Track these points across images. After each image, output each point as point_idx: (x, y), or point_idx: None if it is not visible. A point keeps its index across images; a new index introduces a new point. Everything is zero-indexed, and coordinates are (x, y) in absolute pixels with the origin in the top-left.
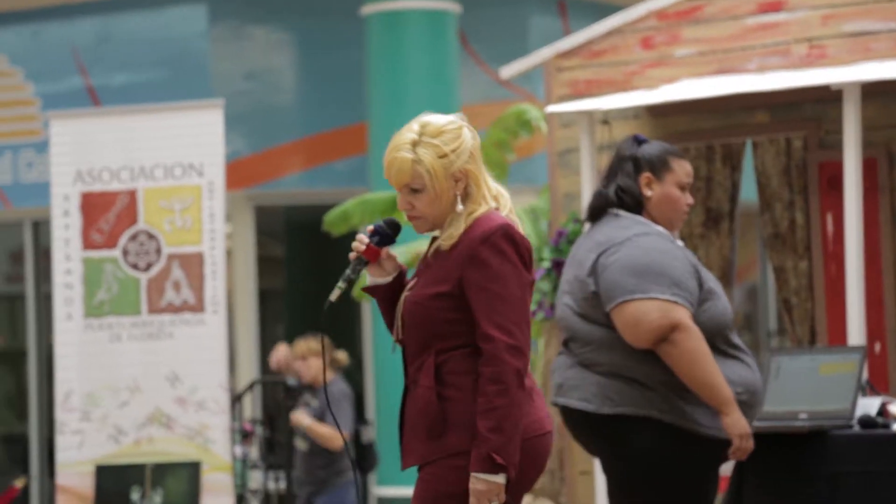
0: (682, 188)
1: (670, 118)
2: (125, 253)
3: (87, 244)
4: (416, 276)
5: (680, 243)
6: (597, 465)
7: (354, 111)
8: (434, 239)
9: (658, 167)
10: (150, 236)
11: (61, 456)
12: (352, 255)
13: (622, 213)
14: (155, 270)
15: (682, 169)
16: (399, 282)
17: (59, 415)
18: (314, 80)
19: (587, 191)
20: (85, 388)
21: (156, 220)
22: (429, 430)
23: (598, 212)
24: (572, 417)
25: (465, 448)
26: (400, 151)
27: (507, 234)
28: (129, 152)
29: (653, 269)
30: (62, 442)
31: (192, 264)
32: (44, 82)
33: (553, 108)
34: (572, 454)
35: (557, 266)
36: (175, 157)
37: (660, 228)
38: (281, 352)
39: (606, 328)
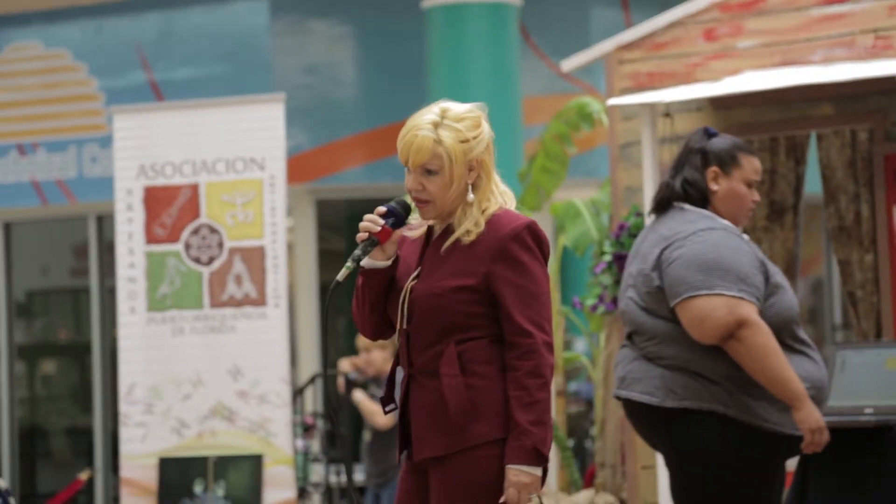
0: (749, 185)
1: (733, 111)
2: (187, 247)
3: (150, 238)
4: (422, 266)
5: (745, 237)
6: (659, 459)
7: (415, 104)
8: (430, 228)
9: (726, 162)
10: (213, 230)
11: (125, 448)
12: (362, 236)
13: (687, 206)
14: (217, 264)
15: (751, 165)
16: (393, 269)
17: (123, 408)
18: (375, 74)
19: (648, 184)
20: (148, 382)
21: (218, 214)
22: (455, 419)
23: (663, 204)
24: (635, 410)
25: (496, 437)
26: (421, 130)
27: (535, 231)
28: (192, 146)
29: (719, 264)
30: (126, 434)
31: (254, 258)
32: (107, 77)
33: (614, 101)
34: (634, 449)
35: (618, 260)
36: (237, 152)
37: (726, 223)
38: (376, 356)
39: (671, 322)
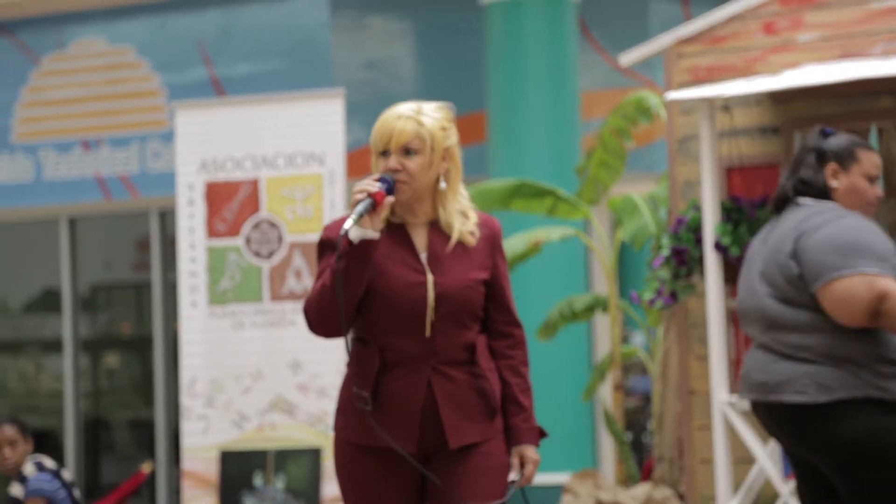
0: (870, 179)
1: (792, 104)
2: (248, 241)
3: (211, 232)
4: (429, 260)
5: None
6: (718, 453)
7: (473, 100)
8: (396, 227)
9: (844, 158)
10: (272, 225)
11: (186, 441)
12: (359, 197)
13: (809, 200)
14: (277, 259)
15: (870, 160)
16: (377, 245)
17: (185, 401)
18: (434, 69)
19: (707, 178)
20: (209, 375)
21: (278, 209)
22: (491, 409)
23: (779, 204)
24: (783, 414)
25: (503, 427)
26: (401, 117)
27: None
28: (252, 142)
29: (857, 245)
30: (187, 427)
31: (313, 252)
32: (170, 73)
33: (673, 95)
34: (692, 443)
35: (676, 254)
36: (296, 147)
37: (855, 212)
38: None
39: (813, 311)
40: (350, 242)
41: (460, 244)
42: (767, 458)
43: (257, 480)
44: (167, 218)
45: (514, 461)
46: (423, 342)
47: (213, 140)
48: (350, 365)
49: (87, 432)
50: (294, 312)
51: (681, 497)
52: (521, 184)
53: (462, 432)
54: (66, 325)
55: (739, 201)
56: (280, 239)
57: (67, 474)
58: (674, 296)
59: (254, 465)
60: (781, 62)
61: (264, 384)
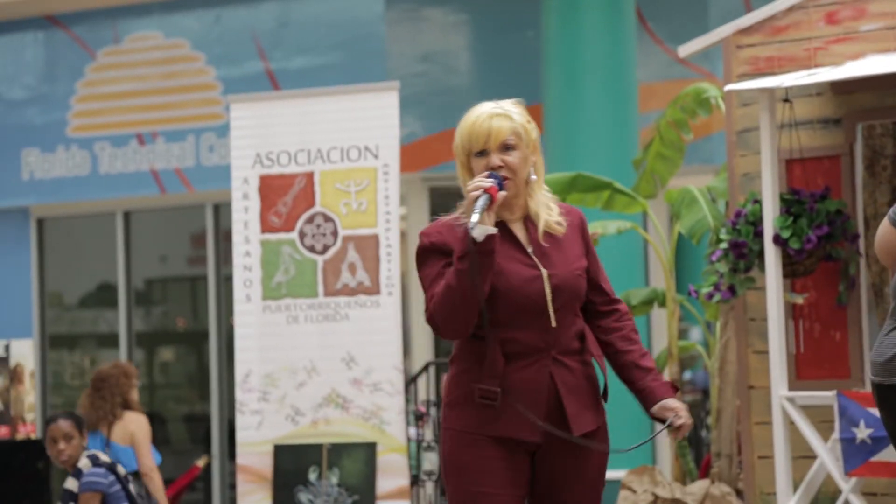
0: None
1: (855, 95)
2: (302, 235)
3: (266, 227)
4: (535, 254)
5: None
6: (778, 449)
7: (530, 92)
8: (498, 223)
9: None
10: (327, 219)
11: (241, 436)
12: (475, 194)
13: None
14: (331, 253)
15: None
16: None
17: (239, 395)
18: (490, 62)
19: (766, 171)
20: (263, 369)
21: (332, 203)
22: (597, 396)
23: None
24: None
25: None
26: (493, 115)
27: None
28: (306, 135)
29: None
30: (242, 422)
31: (368, 246)
32: (225, 67)
33: (732, 87)
34: (750, 438)
35: (734, 247)
36: (351, 140)
37: None
38: None
39: None
40: (474, 241)
41: (554, 236)
42: (828, 454)
43: (311, 475)
44: (222, 212)
45: (667, 413)
46: (544, 334)
47: (267, 134)
48: (461, 361)
49: None
50: (348, 306)
51: (739, 493)
52: (578, 177)
53: (582, 420)
54: (122, 319)
55: (799, 194)
56: (334, 233)
57: (122, 469)
58: (732, 290)
59: (308, 459)
60: (844, 52)
61: (318, 379)
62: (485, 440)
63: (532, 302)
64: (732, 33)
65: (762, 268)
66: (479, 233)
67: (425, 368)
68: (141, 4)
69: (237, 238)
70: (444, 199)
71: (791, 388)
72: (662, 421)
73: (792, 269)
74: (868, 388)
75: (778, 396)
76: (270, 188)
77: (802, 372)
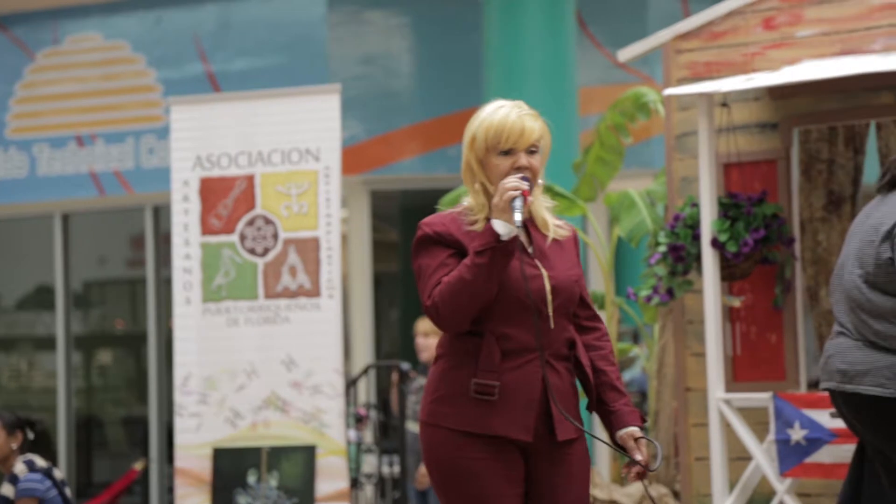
0: None
1: (792, 100)
2: (242, 238)
3: (206, 229)
4: (535, 255)
5: None
6: (714, 450)
7: (471, 95)
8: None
9: None
10: (268, 221)
11: (180, 439)
12: (513, 194)
13: None
14: (272, 255)
15: None
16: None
17: (178, 398)
18: (431, 65)
19: (705, 174)
20: (203, 372)
21: (273, 206)
22: (578, 405)
23: (893, 183)
24: (860, 404)
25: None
26: (524, 116)
27: None
28: (248, 137)
29: None
30: (180, 425)
31: (309, 249)
32: (165, 68)
33: (671, 91)
34: (687, 440)
35: (673, 250)
36: (292, 143)
37: None
38: (433, 343)
39: None
40: (497, 238)
41: (555, 241)
42: (763, 455)
43: (251, 478)
44: (161, 214)
45: (630, 444)
46: (534, 333)
47: (208, 136)
48: (451, 357)
49: (80, 430)
50: (288, 309)
51: (676, 495)
52: None
53: (566, 426)
54: (59, 322)
55: (737, 198)
56: (275, 235)
57: (59, 473)
58: (670, 292)
59: (247, 462)
60: (780, 58)
61: (258, 381)
62: (475, 439)
63: (530, 300)
64: (671, 38)
65: (700, 271)
66: (503, 231)
67: (365, 371)
68: (81, 6)
69: (177, 240)
70: (385, 202)
71: (728, 389)
72: (622, 448)
73: (729, 273)
74: (803, 390)
75: (715, 398)
76: (211, 190)
77: (739, 374)
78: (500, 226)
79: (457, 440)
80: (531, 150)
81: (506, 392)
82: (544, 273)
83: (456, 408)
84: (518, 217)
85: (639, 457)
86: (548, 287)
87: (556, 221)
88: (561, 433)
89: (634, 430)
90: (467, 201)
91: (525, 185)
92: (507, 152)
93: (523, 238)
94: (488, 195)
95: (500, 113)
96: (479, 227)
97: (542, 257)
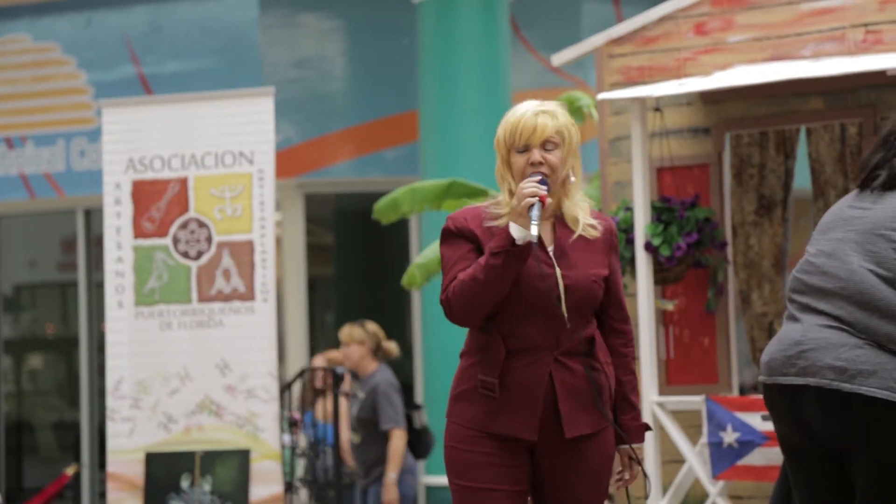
0: None
1: (723, 105)
2: (175, 241)
3: (138, 232)
4: (556, 255)
5: None
6: (648, 453)
7: (405, 99)
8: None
9: None
10: (201, 224)
11: (112, 443)
12: (531, 201)
13: None
14: (205, 259)
15: None
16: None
17: (110, 402)
18: (365, 68)
19: (638, 178)
20: (135, 376)
21: (206, 209)
22: (602, 401)
23: (891, 182)
24: (858, 406)
25: (610, 419)
26: (538, 113)
27: None
28: (180, 140)
29: None
30: (113, 429)
31: (242, 252)
32: (96, 71)
33: (605, 96)
34: None
35: None
36: (226, 145)
37: None
38: (354, 350)
39: None
40: (512, 241)
41: (583, 239)
42: (696, 458)
43: (184, 482)
44: (93, 217)
45: (625, 460)
46: (547, 332)
47: (140, 139)
48: (470, 354)
49: (10, 434)
50: (222, 313)
51: (610, 498)
52: (453, 184)
53: (577, 423)
54: None
55: (670, 201)
56: (209, 238)
57: None
58: None
59: (180, 467)
60: (712, 63)
61: (192, 385)
62: (483, 436)
63: (540, 298)
64: (605, 43)
65: (633, 274)
66: (518, 235)
67: (300, 375)
68: (10, 6)
69: (109, 244)
70: (319, 205)
71: (661, 393)
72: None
73: (662, 276)
74: (735, 393)
75: (648, 401)
76: (143, 193)
77: (672, 377)
78: (516, 230)
79: (465, 435)
80: (547, 147)
81: (511, 390)
82: (558, 272)
83: (466, 404)
84: (535, 230)
85: (626, 476)
86: (561, 286)
87: (590, 220)
88: (569, 430)
89: (633, 447)
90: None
91: (543, 190)
92: (524, 149)
93: (547, 235)
94: (513, 194)
95: (518, 111)
96: (502, 222)
97: (562, 256)
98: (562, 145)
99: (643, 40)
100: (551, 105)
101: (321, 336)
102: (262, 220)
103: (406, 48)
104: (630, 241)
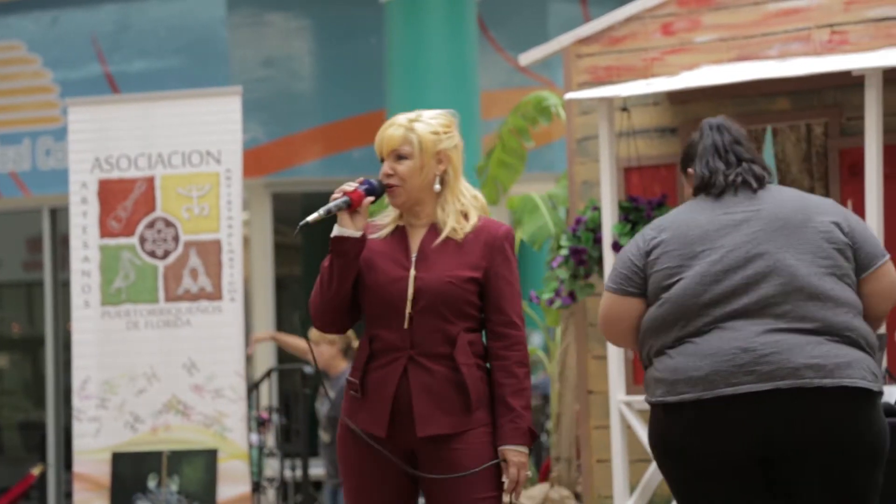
0: None
1: (690, 105)
2: (142, 240)
3: (105, 232)
4: (418, 257)
5: None
6: (615, 452)
7: (373, 99)
8: (399, 227)
9: None
10: (168, 224)
11: (78, 443)
12: (334, 195)
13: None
14: (172, 258)
15: None
16: (361, 245)
17: (76, 402)
18: (333, 68)
19: (606, 178)
20: (102, 376)
21: (173, 208)
22: (467, 403)
23: (760, 182)
24: (847, 398)
25: (488, 421)
26: (392, 125)
27: (513, 237)
28: (147, 139)
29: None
30: (79, 429)
31: (210, 252)
32: (62, 69)
33: (572, 95)
34: (589, 442)
35: (575, 254)
36: (193, 145)
37: None
38: (324, 350)
39: (852, 290)
40: (332, 240)
41: (454, 243)
42: None
43: (151, 482)
44: (59, 216)
45: (502, 465)
46: (401, 333)
47: (107, 137)
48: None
49: None
50: (190, 312)
51: (578, 497)
52: None
53: (431, 422)
54: None
55: (637, 201)
56: (176, 238)
57: None
58: (572, 296)
59: (147, 467)
60: (679, 63)
61: (159, 385)
62: (356, 436)
63: (391, 300)
64: (572, 42)
65: (602, 274)
66: (335, 232)
67: (268, 374)
68: None
69: (75, 243)
70: (286, 205)
71: (629, 392)
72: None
73: None
74: None
75: (616, 401)
76: (110, 193)
77: (639, 377)
78: (336, 229)
79: (346, 436)
80: (398, 157)
81: (369, 389)
82: (412, 274)
83: (347, 404)
84: (312, 217)
85: (504, 479)
86: (410, 289)
87: (466, 226)
88: (421, 429)
89: (510, 452)
90: None
91: (351, 188)
92: (381, 160)
93: (416, 241)
94: None
95: (389, 120)
96: (383, 233)
97: (422, 259)
98: (414, 155)
99: (610, 40)
100: (425, 115)
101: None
102: (229, 219)
103: (374, 48)
104: (598, 241)
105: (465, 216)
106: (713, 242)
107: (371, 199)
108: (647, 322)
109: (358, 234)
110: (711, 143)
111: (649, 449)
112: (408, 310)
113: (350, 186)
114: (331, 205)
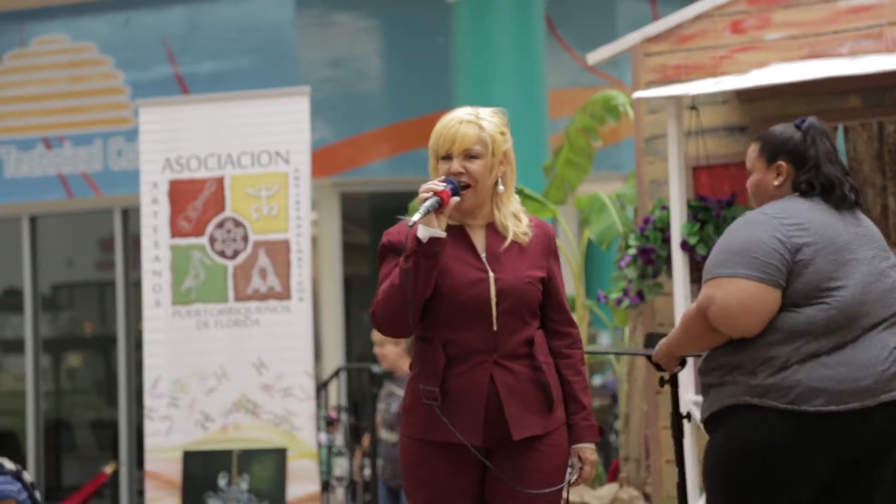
0: None
1: (760, 103)
2: (212, 240)
3: (175, 232)
4: (488, 259)
5: None
6: (685, 452)
7: (440, 98)
8: (458, 228)
9: None
10: (237, 224)
11: (149, 442)
12: (424, 196)
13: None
14: (241, 258)
15: None
16: (444, 246)
17: (148, 401)
18: (400, 67)
19: (674, 177)
20: (173, 375)
21: (243, 208)
22: (550, 402)
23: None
24: None
25: (565, 419)
26: (463, 121)
27: None
28: (217, 140)
29: None
30: (150, 428)
31: (279, 251)
32: (134, 70)
33: (640, 94)
34: (658, 443)
35: (643, 253)
36: (262, 145)
37: None
38: (389, 351)
39: None
40: (419, 241)
41: (516, 244)
42: None
43: (221, 481)
44: (130, 216)
45: (574, 460)
46: (485, 337)
47: (177, 138)
48: (413, 366)
49: (49, 433)
50: (259, 312)
51: (647, 497)
52: None
53: (524, 424)
54: (28, 325)
55: (706, 200)
56: (245, 238)
57: (28, 476)
58: (641, 295)
59: (217, 465)
60: (749, 61)
61: (228, 384)
62: (430, 449)
63: (473, 303)
64: (640, 41)
65: (670, 273)
66: (423, 233)
67: (336, 374)
68: (48, 7)
69: (146, 243)
70: (354, 205)
71: (698, 392)
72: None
73: (699, 275)
74: None
75: (685, 401)
76: (180, 193)
77: None
78: (422, 230)
79: (415, 447)
80: (470, 156)
81: (452, 397)
82: (490, 276)
83: (414, 416)
84: (415, 217)
85: (575, 477)
86: (493, 291)
87: (520, 227)
88: (517, 432)
89: (584, 449)
90: None
91: (441, 187)
92: (446, 157)
93: (480, 242)
94: None
95: (446, 118)
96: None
97: (495, 261)
98: (485, 155)
99: (679, 38)
100: (483, 112)
101: (356, 335)
102: (297, 219)
103: (441, 47)
104: (666, 241)
105: (517, 217)
106: (855, 253)
107: (457, 198)
108: (802, 322)
109: (444, 234)
110: (826, 150)
111: (721, 455)
112: (494, 313)
113: (438, 186)
114: (427, 204)
